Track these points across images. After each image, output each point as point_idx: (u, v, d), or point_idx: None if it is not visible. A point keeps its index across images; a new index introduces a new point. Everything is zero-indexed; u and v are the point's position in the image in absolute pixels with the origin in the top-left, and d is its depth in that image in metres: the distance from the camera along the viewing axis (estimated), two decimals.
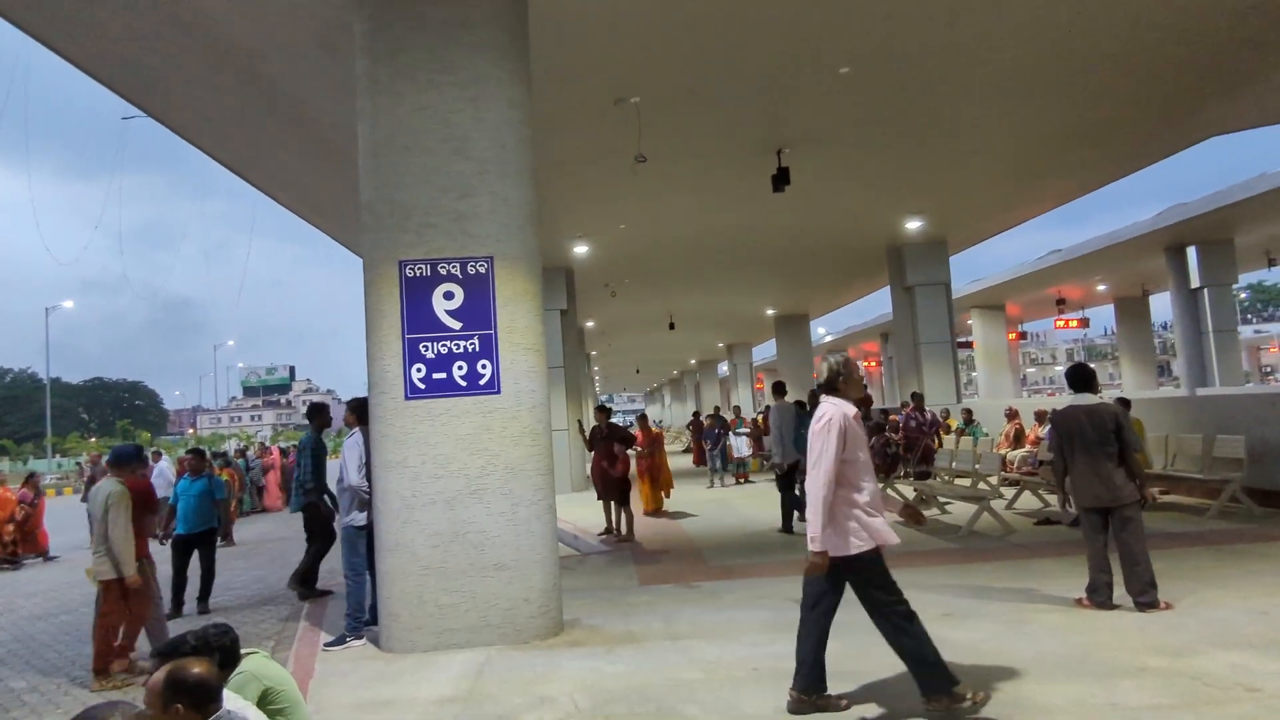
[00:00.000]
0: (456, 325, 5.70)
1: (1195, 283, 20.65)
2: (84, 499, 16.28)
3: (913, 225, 15.01)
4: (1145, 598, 5.44)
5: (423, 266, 5.70)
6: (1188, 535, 8.13)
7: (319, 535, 8.18)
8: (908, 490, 11.72)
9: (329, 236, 14.02)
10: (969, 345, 31.26)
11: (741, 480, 17.18)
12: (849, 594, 4.17)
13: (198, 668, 2.46)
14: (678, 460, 21.25)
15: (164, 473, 14.21)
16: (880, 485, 12.44)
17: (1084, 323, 33.17)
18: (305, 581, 8.14)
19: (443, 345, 5.67)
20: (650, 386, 74.34)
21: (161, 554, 7.09)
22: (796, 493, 10.71)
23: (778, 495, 10.27)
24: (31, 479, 14.39)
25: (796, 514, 10.59)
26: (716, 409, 21.21)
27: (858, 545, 3.99)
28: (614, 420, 11.36)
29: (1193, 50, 8.46)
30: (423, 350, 5.66)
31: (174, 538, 8.46)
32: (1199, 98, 9.91)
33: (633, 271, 17.97)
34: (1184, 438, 10.46)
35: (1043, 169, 12.52)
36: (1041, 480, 10.19)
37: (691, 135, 9.91)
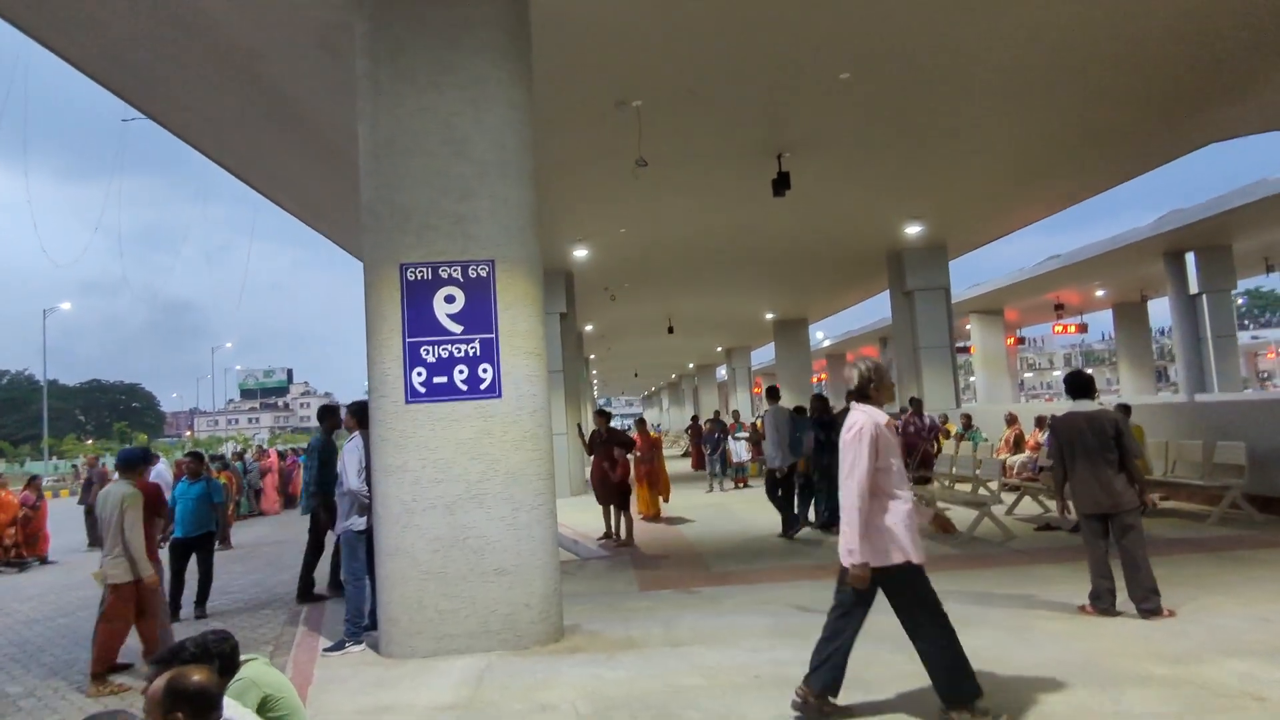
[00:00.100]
0: (457, 329, 5.67)
1: (1194, 288, 20.68)
2: (80, 501, 16.23)
3: (912, 229, 15.00)
4: (1148, 604, 5.42)
5: (424, 270, 5.68)
6: (1189, 541, 8.12)
7: (310, 543, 8.16)
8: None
9: (329, 239, 13.98)
10: (967, 350, 31.29)
11: (740, 485, 17.15)
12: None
13: (198, 675, 2.43)
14: (676, 464, 21.22)
15: (161, 475, 14.13)
16: None
17: (1082, 328, 33.23)
18: (307, 589, 8.10)
19: (443, 349, 5.64)
20: (648, 390, 74.30)
21: (159, 557, 7.05)
22: (796, 496, 10.73)
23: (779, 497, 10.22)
24: (34, 481, 14.34)
25: (806, 520, 10.60)
26: (716, 413, 21.19)
27: (899, 556, 3.90)
28: (612, 425, 11.33)
29: (1194, 55, 8.46)
30: (423, 354, 5.64)
31: (172, 541, 8.42)
32: (1200, 103, 9.91)
33: (632, 275, 17.96)
34: (1184, 444, 10.45)
35: (1043, 173, 12.52)
36: (1042, 486, 10.18)
37: (692, 139, 9.90)
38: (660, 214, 13.12)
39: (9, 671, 6.44)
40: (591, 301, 19.89)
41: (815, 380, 39.54)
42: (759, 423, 17.35)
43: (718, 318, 27.11)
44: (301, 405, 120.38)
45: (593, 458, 10.88)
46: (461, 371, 5.64)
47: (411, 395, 5.60)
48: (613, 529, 10.66)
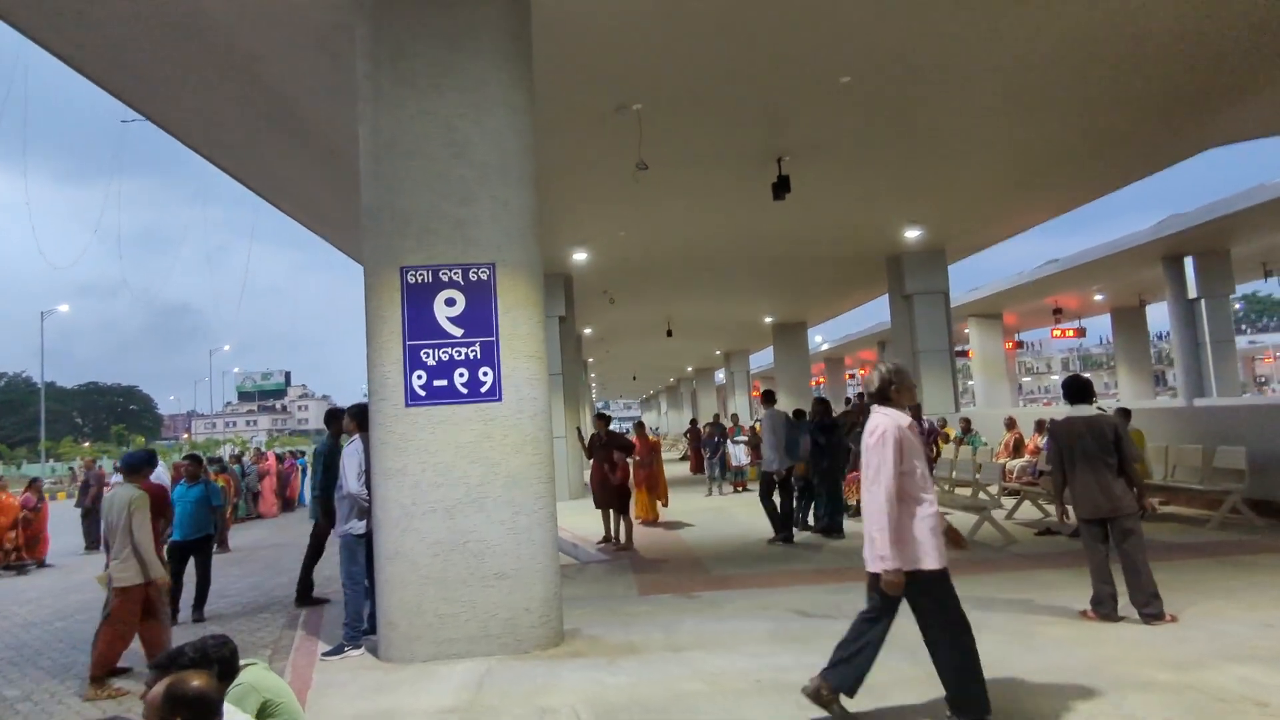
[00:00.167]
0: (458, 332, 5.66)
1: (1192, 293, 20.69)
2: (77, 504, 16.19)
3: (912, 234, 15.01)
4: (1150, 609, 5.41)
5: (424, 273, 5.66)
6: (1189, 546, 8.11)
7: (311, 546, 8.14)
8: None
9: (328, 242, 13.97)
10: (966, 354, 31.29)
11: (739, 489, 17.12)
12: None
13: (197, 681, 2.41)
14: (674, 468, 21.20)
15: (159, 478, 14.11)
16: None
17: (1080, 332, 33.25)
18: (306, 592, 8.07)
19: (444, 352, 5.63)
20: (646, 394, 74.29)
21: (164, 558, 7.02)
22: (795, 500, 10.72)
23: (778, 503, 10.20)
24: (34, 483, 14.32)
25: (803, 523, 10.59)
26: (716, 416, 21.17)
27: (929, 563, 3.83)
28: (611, 428, 11.32)
29: (1194, 59, 8.47)
30: (424, 357, 5.62)
31: (170, 545, 8.38)
32: (1200, 107, 9.92)
33: (631, 278, 17.95)
34: (1184, 448, 10.44)
35: (1043, 178, 12.53)
36: (1042, 490, 10.17)
37: (692, 142, 9.90)
38: (660, 217, 13.12)
39: (6, 675, 6.42)
40: (590, 305, 19.88)
41: (814, 384, 39.53)
42: (757, 426, 17.34)
43: (717, 321, 27.11)
44: (299, 408, 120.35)
45: (592, 461, 10.86)
46: (462, 375, 5.62)
47: (411, 398, 5.58)
48: (611, 533, 10.63)
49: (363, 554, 6.10)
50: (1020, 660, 4.78)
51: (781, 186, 10.29)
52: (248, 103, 8.27)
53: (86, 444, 65.16)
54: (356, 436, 6.21)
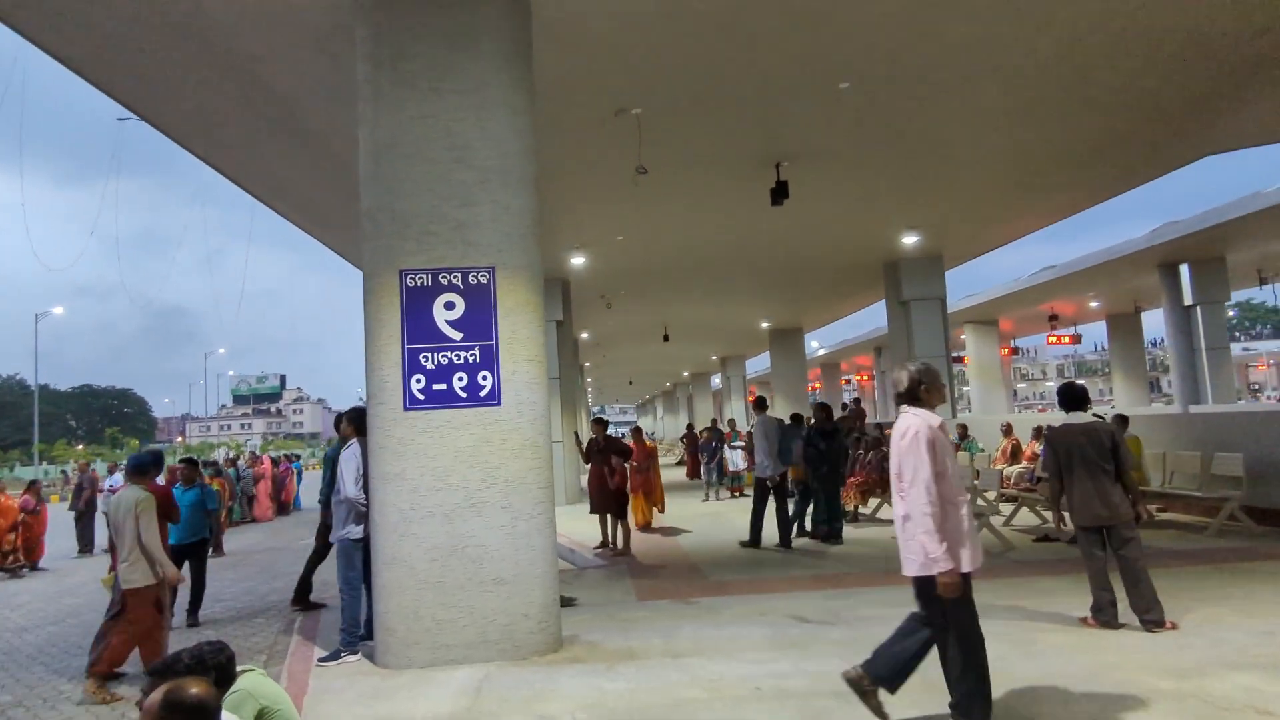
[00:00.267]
0: (457, 336, 5.63)
1: (1188, 300, 20.73)
2: (70, 507, 16.10)
3: (909, 240, 15.02)
4: (1151, 615, 5.40)
5: (424, 276, 5.63)
6: (1187, 553, 8.10)
7: (316, 548, 8.10)
8: None
9: (326, 246, 13.93)
10: (961, 360, 31.32)
11: (736, 494, 17.09)
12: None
13: (195, 688, 2.38)
14: (670, 473, 21.16)
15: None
16: (877, 500, 12.40)
17: (1076, 339, 33.30)
18: (304, 593, 8.03)
19: (443, 356, 5.60)
20: (643, 398, 74.26)
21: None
22: (792, 505, 10.70)
23: (774, 509, 10.17)
24: (33, 486, 14.25)
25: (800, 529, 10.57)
26: (714, 421, 21.16)
27: (961, 566, 3.77)
28: (609, 433, 11.30)
29: (1193, 67, 8.49)
30: (422, 361, 5.59)
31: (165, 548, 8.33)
32: (1198, 115, 9.94)
33: (629, 283, 17.94)
34: (1182, 455, 10.45)
35: (1040, 184, 12.55)
36: (1040, 496, 10.16)
37: (691, 147, 9.89)
38: (657, 222, 13.12)
39: None
40: (587, 309, 19.86)
41: (810, 389, 39.55)
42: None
43: (713, 326, 27.11)
44: (294, 411, 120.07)
45: (590, 466, 10.83)
46: (461, 378, 5.59)
47: (410, 402, 5.55)
48: (609, 538, 10.60)
49: (360, 559, 6.06)
50: (1021, 667, 4.76)
51: (780, 192, 10.28)
52: (247, 104, 8.25)
53: (80, 447, 64.87)
54: (354, 440, 6.17)
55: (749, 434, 19.41)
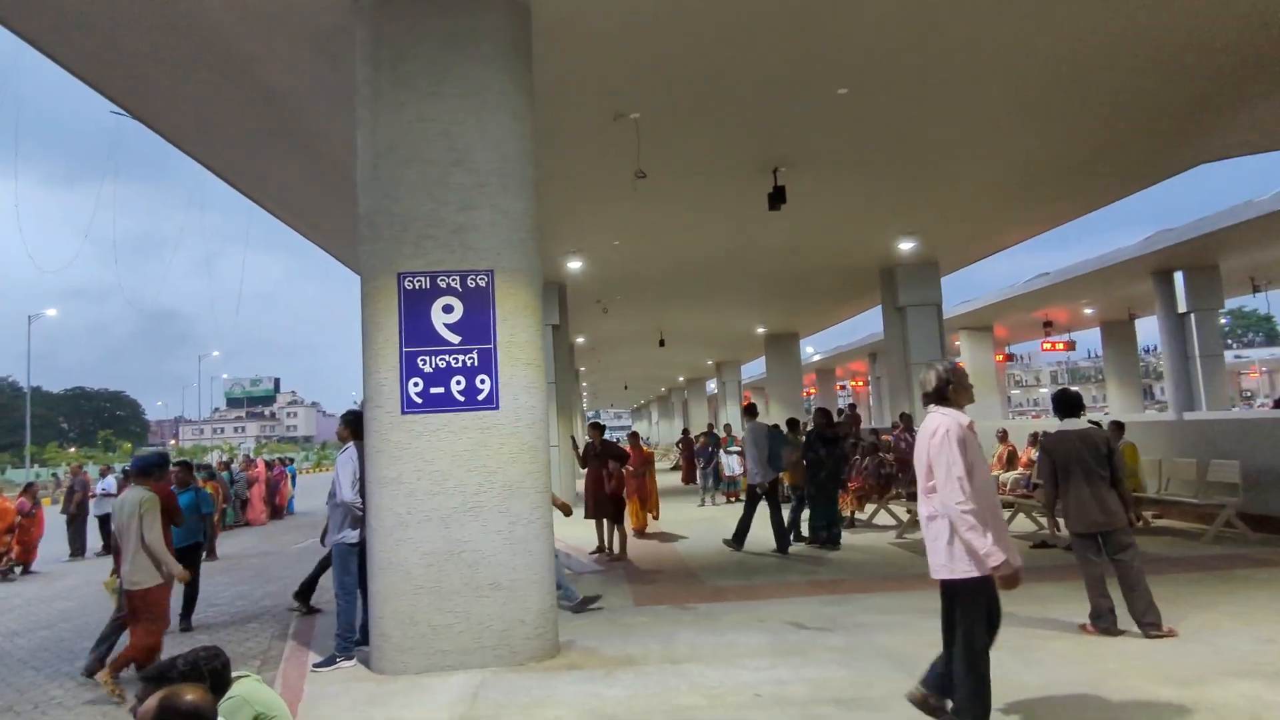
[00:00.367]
0: (455, 339, 5.60)
1: (1182, 307, 20.78)
2: (63, 510, 15.99)
3: (906, 246, 15.03)
4: (1149, 618, 5.39)
5: (422, 279, 5.60)
6: (1184, 560, 8.10)
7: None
8: (901, 512, 11.66)
9: (322, 249, 13.88)
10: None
11: (732, 499, 17.06)
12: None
13: (191, 695, 2.35)
14: (666, 478, 21.13)
15: None
16: (874, 506, 12.38)
17: (1070, 345, 33.38)
18: (305, 593, 7.98)
19: (441, 359, 5.57)
20: (638, 403, 74.18)
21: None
22: (787, 510, 10.68)
23: (768, 515, 10.16)
24: (30, 488, 14.16)
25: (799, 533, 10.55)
26: (710, 426, 21.13)
27: (975, 570, 3.72)
28: (605, 438, 11.26)
29: (1187, 76, 8.51)
30: (420, 364, 5.55)
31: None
32: (1192, 123, 9.97)
33: (625, 287, 17.91)
34: (1177, 462, 10.46)
35: (1038, 191, 12.57)
36: (1036, 502, 10.16)
37: (689, 152, 9.88)
38: (654, 226, 13.10)
39: None
40: (583, 313, 19.82)
41: (805, 395, 39.55)
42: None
43: (709, 331, 27.10)
44: (288, 414, 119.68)
45: (586, 470, 10.80)
46: (459, 382, 5.56)
47: (407, 406, 5.51)
48: (605, 543, 10.56)
49: (355, 564, 6.01)
50: (1021, 675, 4.73)
51: (777, 197, 10.27)
52: (246, 106, 8.21)
53: (72, 449, 64.58)
54: (350, 444, 6.13)
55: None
